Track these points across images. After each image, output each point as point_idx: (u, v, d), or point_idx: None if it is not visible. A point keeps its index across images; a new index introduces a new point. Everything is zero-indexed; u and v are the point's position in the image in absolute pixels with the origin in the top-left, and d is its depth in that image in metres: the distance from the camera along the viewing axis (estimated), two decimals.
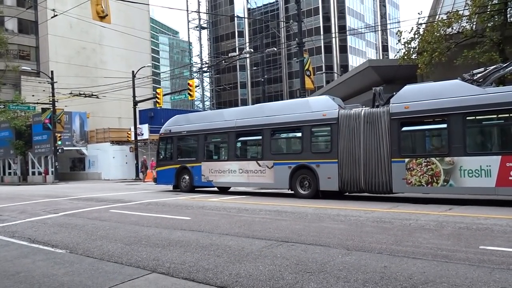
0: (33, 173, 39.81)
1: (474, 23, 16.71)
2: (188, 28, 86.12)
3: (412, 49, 18.08)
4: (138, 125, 34.44)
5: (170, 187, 18.22)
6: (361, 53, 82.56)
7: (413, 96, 11.64)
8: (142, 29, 54.95)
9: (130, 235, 7.43)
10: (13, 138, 39.21)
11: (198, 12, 78.52)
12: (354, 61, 75.68)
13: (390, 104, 12.00)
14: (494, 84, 11.15)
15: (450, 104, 10.86)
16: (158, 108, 34.45)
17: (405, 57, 18.11)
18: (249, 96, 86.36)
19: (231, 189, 17.11)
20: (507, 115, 10.54)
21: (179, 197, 14.75)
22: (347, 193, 13.57)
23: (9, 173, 43.21)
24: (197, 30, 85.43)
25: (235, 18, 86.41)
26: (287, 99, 70.81)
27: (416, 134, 12.30)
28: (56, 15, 23.69)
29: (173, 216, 9.73)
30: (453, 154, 10.72)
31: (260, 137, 14.87)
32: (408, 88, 12.08)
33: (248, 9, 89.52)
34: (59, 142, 34.93)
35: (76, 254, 6.14)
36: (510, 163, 9.98)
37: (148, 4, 55.52)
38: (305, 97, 20.77)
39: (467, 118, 10.70)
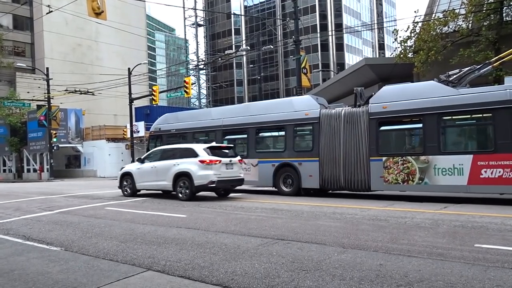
0: (28, 170, 39.59)
1: (470, 22, 16.75)
2: (185, 25, 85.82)
3: (408, 48, 18.11)
4: (134, 123, 34.31)
5: None
6: (358, 51, 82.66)
7: (391, 96, 12.00)
8: (138, 26, 54.67)
9: (126, 233, 7.40)
10: (8, 135, 38.96)
11: (195, 9, 78.39)
12: (351, 59, 75.78)
13: (369, 104, 12.34)
14: (468, 85, 11.46)
15: (425, 104, 11.24)
16: (154, 105, 34.35)
17: (402, 56, 18.14)
18: (245, 93, 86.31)
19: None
20: (478, 115, 10.99)
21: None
22: (330, 191, 13.91)
23: (4, 170, 42.95)
24: (194, 27, 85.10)
25: (232, 16, 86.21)
26: (283, 97, 70.64)
27: (394, 134, 12.72)
28: (52, 11, 23.53)
29: (169, 214, 9.71)
30: (428, 153, 11.12)
31: (245, 136, 15.28)
32: (386, 88, 12.46)
33: (245, 7, 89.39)
34: (55, 139, 34.75)
35: (71, 252, 6.11)
36: (482, 162, 10.38)
37: (144, 1, 55.11)
38: (302, 95, 20.85)
39: (441, 118, 11.12)
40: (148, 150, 18.88)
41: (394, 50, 19.88)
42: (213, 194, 13.99)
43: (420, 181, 11.20)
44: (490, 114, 10.53)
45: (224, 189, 13.68)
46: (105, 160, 36.53)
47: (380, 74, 23.98)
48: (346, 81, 27.07)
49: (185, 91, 27.68)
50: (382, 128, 12.19)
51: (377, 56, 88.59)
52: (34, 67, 43.96)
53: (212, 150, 12.80)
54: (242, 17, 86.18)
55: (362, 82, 23.84)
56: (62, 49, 48.81)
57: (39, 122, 34.58)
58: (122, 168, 15.36)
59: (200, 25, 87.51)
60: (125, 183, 14.50)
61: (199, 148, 12.88)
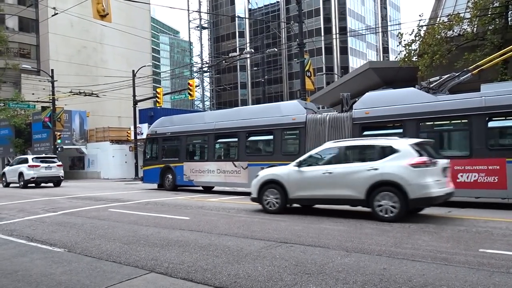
0: None
1: (475, 26, 16.69)
2: (189, 28, 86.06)
3: (412, 51, 18.05)
4: (138, 125, 34.38)
5: (157, 185, 18.92)
6: (362, 54, 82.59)
7: (374, 102, 12.37)
8: (143, 28, 54.92)
9: (129, 235, 7.41)
10: (13, 136, 39.14)
11: (199, 12, 78.54)
12: (355, 63, 75.70)
13: (353, 110, 12.71)
14: (447, 92, 11.74)
15: (405, 110, 11.59)
16: (158, 107, 34.40)
17: (406, 59, 18.09)
18: (249, 96, 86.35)
19: (228, 190, 17.32)
20: (455, 121, 11.29)
21: (178, 197, 14.74)
22: None
23: None
24: (198, 30, 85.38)
25: (236, 19, 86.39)
26: (287, 100, 70.60)
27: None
28: (57, 13, 23.66)
29: (172, 216, 9.71)
30: None
31: (236, 139, 15.69)
32: (369, 94, 12.86)
33: (249, 10, 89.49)
34: (59, 141, 34.86)
35: (74, 253, 6.12)
36: (458, 167, 10.57)
37: (149, 4, 55.47)
38: (305, 98, 20.90)
39: (420, 123, 11.42)
40: (145, 153, 19.72)
41: (399, 54, 19.84)
42: (216, 195, 13.98)
43: None
44: (466, 120, 10.83)
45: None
46: (109, 161, 36.61)
47: (384, 78, 23.92)
48: (350, 84, 27.03)
49: (189, 93, 27.71)
50: (365, 133, 12.51)
51: (381, 59, 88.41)
52: (39, 69, 44.22)
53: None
54: (246, 20, 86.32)
55: (366, 85, 23.79)
56: (67, 51, 49.10)
57: (44, 123, 34.73)
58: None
59: (204, 28, 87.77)
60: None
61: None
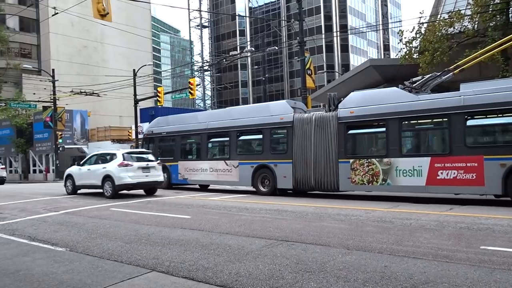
0: (34, 171, 39.81)
1: (476, 22, 16.66)
2: (190, 27, 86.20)
3: (413, 49, 18.03)
4: (139, 124, 34.40)
5: None
6: (363, 52, 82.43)
7: (358, 102, 12.65)
8: (144, 27, 54.92)
9: (130, 234, 7.42)
10: (14, 136, 39.21)
11: (200, 10, 78.54)
12: (356, 60, 75.55)
13: (338, 109, 12.98)
14: (429, 91, 11.95)
15: (387, 109, 11.84)
16: (159, 106, 34.41)
17: (407, 57, 18.07)
18: (250, 95, 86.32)
19: (229, 188, 17.46)
20: (436, 120, 11.55)
21: (179, 196, 14.76)
22: (310, 191, 14.42)
23: (10, 171, 43.19)
24: (198, 28, 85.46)
25: (237, 17, 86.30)
26: (288, 98, 70.55)
27: (360, 137, 13.37)
28: (57, 13, 23.68)
29: (173, 215, 9.72)
30: (390, 155, 11.73)
31: (227, 139, 16.08)
32: (354, 94, 13.10)
33: (250, 8, 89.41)
34: (60, 141, 34.92)
35: (76, 253, 6.13)
36: (438, 164, 10.90)
37: (150, 3, 55.43)
38: (306, 96, 20.97)
39: (402, 122, 11.69)
40: None
41: (399, 51, 19.82)
42: (217, 194, 13.99)
43: (384, 182, 11.82)
44: (446, 119, 11.03)
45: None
46: None
47: (385, 75, 23.88)
48: (351, 82, 26.98)
49: (190, 92, 27.71)
50: (350, 132, 12.79)
51: (382, 57, 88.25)
52: (40, 68, 44.25)
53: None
54: (247, 18, 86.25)
55: (367, 83, 23.76)
56: (68, 51, 49.13)
57: (45, 123, 34.77)
58: None
59: (205, 27, 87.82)
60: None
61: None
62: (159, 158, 18.23)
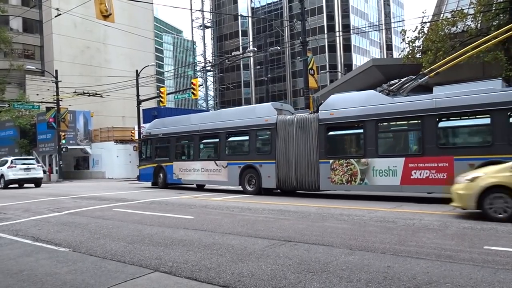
0: None
1: (479, 21, 16.60)
2: (192, 27, 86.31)
3: (416, 48, 18.02)
4: (142, 124, 34.38)
5: (151, 184, 20.20)
6: (365, 52, 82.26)
7: (338, 104, 13.03)
8: (146, 28, 54.94)
9: (133, 234, 7.43)
10: (18, 137, 39.35)
11: (202, 11, 78.59)
12: (358, 60, 75.43)
13: (319, 111, 13.34)
14: (407, 93, 12.27)
15: (364, 112, 12.23)
16: (162, 107, 34.39)
17: (409, 56, 18.06)
18: (252, 95, 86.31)
19: (229, 188, 17.53)
20: (409, 121, 11.90)
21: (182, 196, 14.78)
22: (300, 191, 14.77)
23: None
24: (201, 29, 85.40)
25: (239, 17, 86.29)
26: (291, 98, 70.61)
27: (339, 138, 13.82)
28: (60, 14, 23.71)
29: (176, 215, 9.73)
30: (368, 156, 12.21)
31: (217, 140, 16.72)
32: (334, 96, 13.53)
33: (252, 8, 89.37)
34: (63, 141, 35.00)
35: (79, 253, 6.15)
36: (412, 164, 11.27)
37: (152, 3, 55.46)
38: (309, 96, 21.03)
39: (378, 124, 12.08)
40: (140, 153, 21.09)
41: (402, 51, 19.79)
42: (220, 194, 13.98)
43: (361, 182, 12.21)
44: (419, 121, 11.39)
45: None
46: (113, 161, 36.71)
47: (387, 75, 23.82)
48: (354, 82, 26.98)
49: (192, 92, 27.73)
50: (330, 133, 13.28)
51: (385, 57, 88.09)
52: (43, 69, 44.38)
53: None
54: (249, 18, 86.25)
55: (370, 83, 23.74)
56: (71, 52, 49.23)
57: (48, 124, 34.88)
58: None
59: (207, 27, 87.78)
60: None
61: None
62: (156, 159, 19.13)
